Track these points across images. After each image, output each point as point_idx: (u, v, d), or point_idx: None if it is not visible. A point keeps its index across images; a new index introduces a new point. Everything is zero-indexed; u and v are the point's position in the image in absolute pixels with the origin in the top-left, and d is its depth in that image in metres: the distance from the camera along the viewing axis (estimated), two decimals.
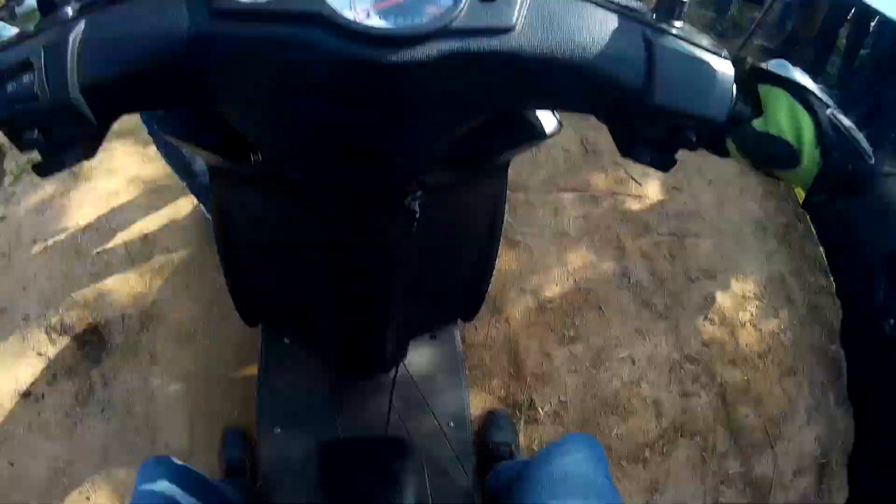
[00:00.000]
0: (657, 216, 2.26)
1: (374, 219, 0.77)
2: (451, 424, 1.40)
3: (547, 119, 0.74)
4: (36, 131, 0.49)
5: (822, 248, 1.91)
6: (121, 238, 1.85)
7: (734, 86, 0.56)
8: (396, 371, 1.28)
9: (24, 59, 0.48)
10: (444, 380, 1.44)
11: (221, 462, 1.47)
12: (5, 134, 0.50)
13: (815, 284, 2.20)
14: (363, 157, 0.63)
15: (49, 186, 1.95)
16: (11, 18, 0.95)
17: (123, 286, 1.76)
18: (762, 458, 1.87)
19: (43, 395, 1.58)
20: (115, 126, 0.58)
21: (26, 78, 0.48)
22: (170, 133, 0.70)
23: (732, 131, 0.58)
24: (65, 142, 0.53)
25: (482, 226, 1.03)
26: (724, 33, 3.51)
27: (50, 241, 1.84)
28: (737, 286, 2.15)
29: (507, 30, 0.52)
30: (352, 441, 1.17)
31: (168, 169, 1.70)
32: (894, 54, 2.76)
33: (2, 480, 1.49)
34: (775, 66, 0.57)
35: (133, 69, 0.52)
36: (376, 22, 0.50)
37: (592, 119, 0.61)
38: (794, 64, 0.57)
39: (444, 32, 0.50)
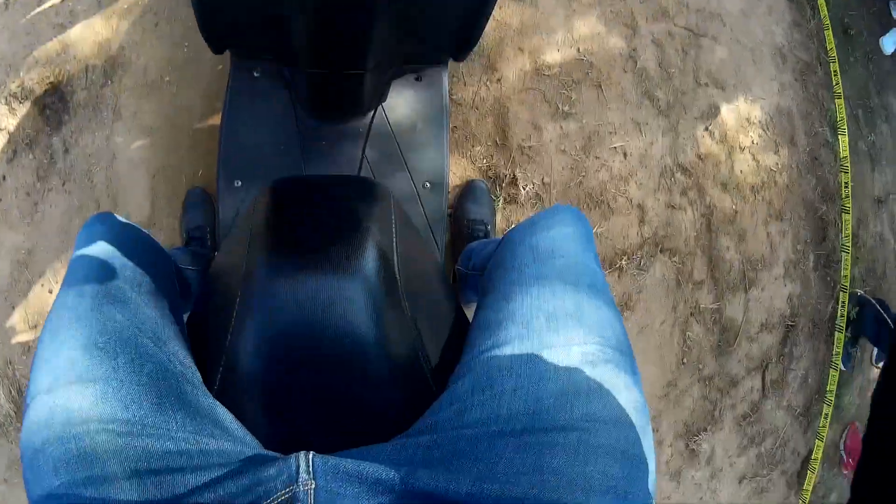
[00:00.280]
0: (677, 4, 1.82)
1: None
2: (427, 185, 1.24)
3: None
4: None
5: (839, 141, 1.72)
6: None
7: None
8: (374, 116, 1.20)
9: None
10: (426, 134, 1.25)
11: (181, 229, 1.35)
12: None
13: (821, 135, 1.92)
14: None
15: None
16: None
17: (88, 33, 1.48)
18: (734, 299, 1.70)
19: (4, 177, 1.41)
20: None
21: None
22: None
23: None
24: None
25: None
26: None
27: None
28: (743, 106, 1.82)
29: None
30: (311, 178, 0.98)
31: None
32: None
33: None
34: None
35: None
36: None
37: None
38: None
39: None
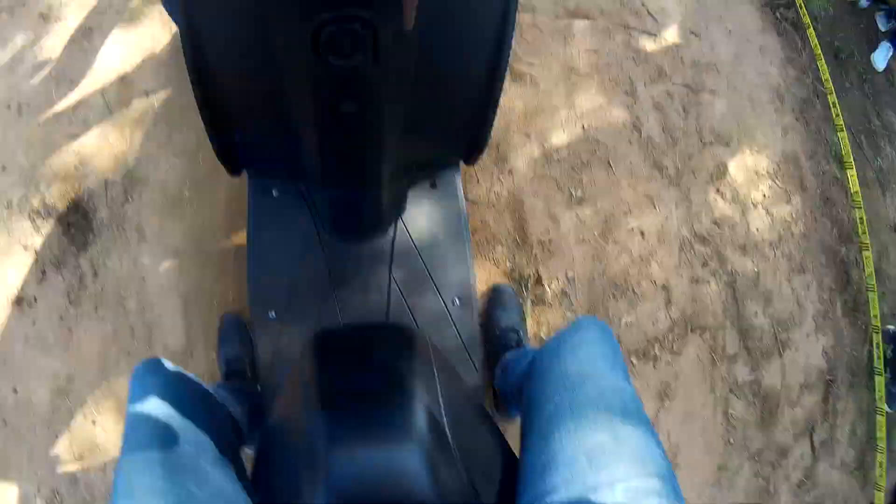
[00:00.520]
0: (672, 61, 1.80)
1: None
2: (456, 302, 1.23)
3: None
4: None
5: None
6: (97, 83, 1.51)
7: None
8: (395, 231, 1.21)
9: None
10: (448, 245, 1.26)
11: (220, 361, 1.32)
12: None
13: (829, 173, 1.89)
14: None
15: (19, 37, 1.55)
16: None
17: (104, 145, 1.48)
18: (770, 366, 1.67)
19: (35, 299, 1.41)
20: None
21: None
22: None
23: None
24: None
25: (488, 38, 0.85)
26: None
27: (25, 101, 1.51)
28: (750, 159, 1.80)
29: None
30: (352, 332, 0.97)
31: None
32: None
33: (8, 409, 1.38)
34: None
35: None
36: None
37: None
38: None
39: None
